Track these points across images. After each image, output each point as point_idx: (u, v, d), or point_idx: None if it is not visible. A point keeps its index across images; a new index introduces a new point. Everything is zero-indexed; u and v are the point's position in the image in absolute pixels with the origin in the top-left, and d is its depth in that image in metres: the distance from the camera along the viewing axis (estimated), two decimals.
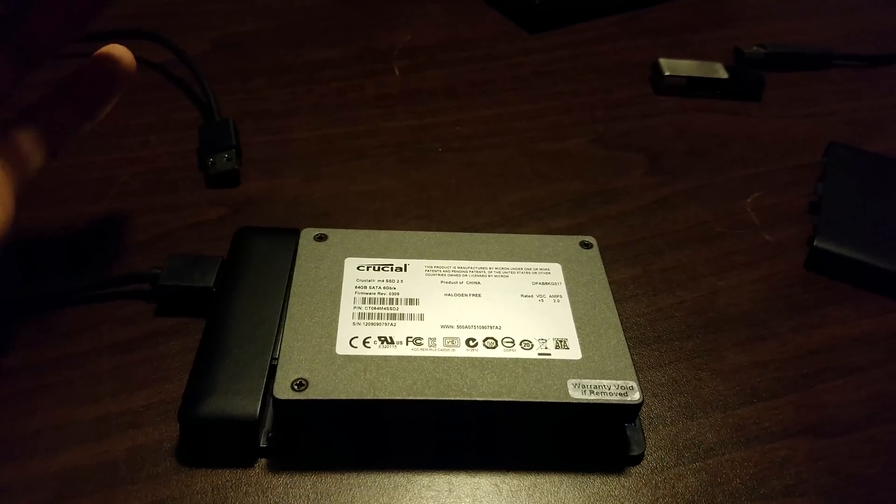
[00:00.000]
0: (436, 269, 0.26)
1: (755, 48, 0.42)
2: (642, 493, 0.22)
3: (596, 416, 0.22)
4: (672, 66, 0.39)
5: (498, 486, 0.22)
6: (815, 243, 0.30)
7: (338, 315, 0.23)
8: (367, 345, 0.23)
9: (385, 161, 0.34)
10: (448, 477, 0.22)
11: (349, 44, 0.42)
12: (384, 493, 0.21)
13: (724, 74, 0.39)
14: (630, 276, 0.29)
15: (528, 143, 0.36)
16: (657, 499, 0.22)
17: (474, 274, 0.26)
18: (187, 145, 0.34)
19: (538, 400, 0.21)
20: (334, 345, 0.22)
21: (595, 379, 0.22)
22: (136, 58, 0.39)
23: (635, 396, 0.22)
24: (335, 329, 0.23)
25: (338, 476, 0.22)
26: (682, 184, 0.34)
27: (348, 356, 0.22)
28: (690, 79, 0.39)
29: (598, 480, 0.22)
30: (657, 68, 0.40)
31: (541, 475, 0.22)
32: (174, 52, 0.38)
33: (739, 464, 0.23)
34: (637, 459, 0.23)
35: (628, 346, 0.23)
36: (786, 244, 0.31)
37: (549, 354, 0.23)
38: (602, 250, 0.27)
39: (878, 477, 0.23)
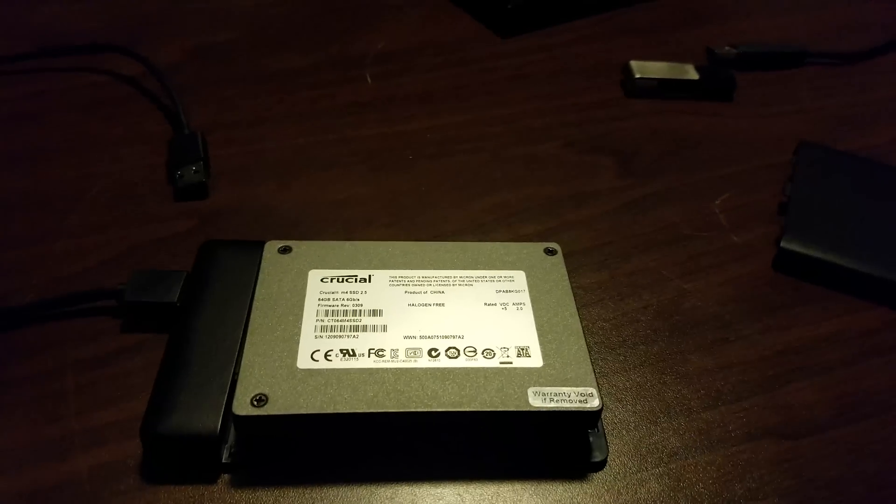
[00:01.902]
0: (400, 279, 0.26)
1: (727, 48, 0.42)
2: (604, 499, 0.22)
3: (556, 424, 0.22)
4: (643, 69, 0.39)
5: (461, 495, 0.22)
6: (781, 244, 0.30)
7: (300, 328, 0.23)
8: (328, 358, 0.23)
9: (356, 169, 0.34)
10: (411, 488, 0.22)
11: (322, 51, 0.42)
12: None
13: (695, 75, 0.39)
14: (596, 280, 0.29)
15: (499, 149, 0.36)
16: None
17: (438, 283, 0.26)
18: (157, 159, 0.34)
19: (498, 409, 0.22)
20: (295, 359, 0.22)
21: (555, 386, 0.22)
22: (108, 71, 0.40)
23: (594, 403, 0.22)
24: (297, 343, 0.23)
25: (300, 490, 0.22)
26: (651, 186, 0.34)
27: (309, 370, 0.22)
28: (661, 81, 0.39)
29: (561, 487, 0.22)
30: (628, 71, 0.40)
31: (503, 484, 0.22)
32: (145, 65, 0.38)
33: (703, 468, 0.23)
34: (600, 465, 0.23)
35: (590, 352, 0.23)
36: (754, 245, 0.31)
37: (511, 363, 0.23)
38: (570, 255, 0.27)
39: (842, 479, 0.23)
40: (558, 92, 0.40)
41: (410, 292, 0.25)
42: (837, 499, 0.23)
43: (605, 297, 0.29)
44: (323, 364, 0.22)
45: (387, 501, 0.22)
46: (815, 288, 0.30)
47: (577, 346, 0.23)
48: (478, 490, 0.22)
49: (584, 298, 0.28)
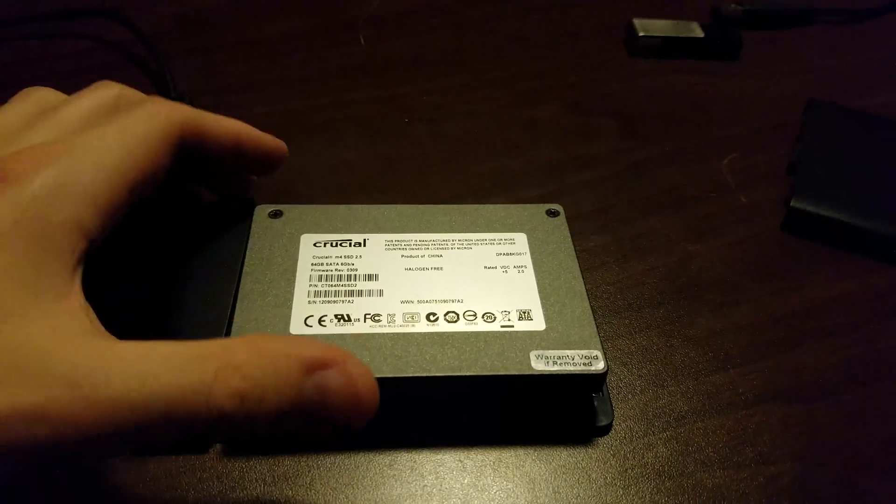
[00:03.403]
0: (396, 242, 0.25)
1: (733, 6, 0.41)
2: (610, 463, 0.22)
3: (560, 387, 0.21)
4: (646, 27, 0.38)
5: (462, 461, 0.21)
6: (791, 203, 0.29)
7: (292, 294, 0.23)
8: (322, 323, 0.22)
9: (350, 134, 0.33)
10: (410, 455, 0.21)
11: (313, 14, 0.41)
12: (344, 474, 0.21)
13: (700, 33, 0.38)
14: (601, 243, 0.28)
15: (498, 112, 0.35)
16: (626, 469, 0.22)
17: (436, 247, 0.25)
18: None
19: (500, 373, 0.21)
20: (288, 324, 0.22)
21: (559, 349, 0.21)
22: (95, 37, 0.38)
23: (599, 366, 0.21)
24: (290, 308, 0.22)
25: (296, 458, 0.21)
26: (656, 148, 0.33)
27: (303, 336, 0.21)
28: (666, 39, 0.38)
29: (565, 452, 0.22)
30: (631, 29, 0.38)
31: (505, 449, 0.22)
32: (131, 29, 0.37)
33: (712, 431, 0.23)
34: (605, 430, 0.22)
35: (594, 314, 0.22)
36: (763, 206, 0.30)
37: (513, 326, 0.22)
38: (572, 219, 0.26)
39: (854, 442, 0.23)
40: (559, 53, 0.39)
41: (407, 256, 0.24)
42: (851, 462, 0.22)
43: (609, 260, 0.28)
44: (317, 330, 0.21)
45: (385, 468, 0.21)
46: (826, 249, 0.29)
47: (580, 308, 0.23)
48: (479, 456, 0.21)
49: (588, 262, 0.27)
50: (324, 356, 0.16)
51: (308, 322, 0.22)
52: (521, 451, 0.22)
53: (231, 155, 0.23)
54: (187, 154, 0.22)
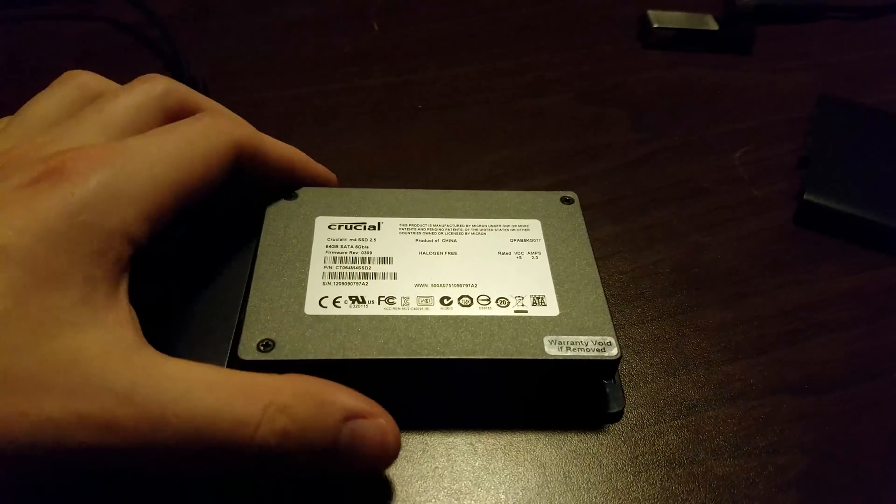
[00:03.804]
0: (410, 227, 0.25)
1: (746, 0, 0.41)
2: (621, 450, 0.22)
3: (573, 373, 0.21)
4: (660, 18, 0.38)
5: (473, 445, 0.21)
6: (804, 196, 0.29)
7: (307, 275, 0.23)
8: (337, 304, 0.22)
9: (360, 121, 0.33)
10: (422, 437, 0.21)
11: None
12: None
13: (714, 26, 0.38)
14: (613, 233, 0.28)
15: (510, 101, 0.35)
16: (637, 456, 0.22)
17: (450, 232, 0.25)
18: None
19: (513, 357, 0.21)
20: (303, 305, 0.22)
21: (572, 335, 0.21)
22: (107, 19, 0.38)
23: (613, 352, 0.21)
24: (304, 289, 0.22)
25: None
26: (668, 139, 0.33)
27: (317, 316, 0.21)
28: (679, 31, 0.38)
29: (576, 438, 0.22)
30: (646, 20, 0.38)
31: (517, 433, 0.22)
32: (145, 13, 0.37)
33: (722, 421, 0.23)
34: (616, 417, 0.22)
35: (608, 301, 0.22)
36: (774, 199, 0.30)
37: (526, 311, 0.22)
38: (585, 208, 0.26)
39: (862, 434, 0.23)
40: (571, 43, 0.39)
41: (421, 240, 0.24)
42: (859, 454, 0.22)
43: (621, 249, 0.28)
44: (331, 310, 0.22)
45: None
46: (837, 243, 0.29)
47: (594, 295, 0.23)
48: (490, 440, 0.22)
49: (600, 251, 0.27)
50: (361, 407, 0.18)
51: (322, 303, 0.22)
52: (532, 436, 0.22)
53: (282, 179, 0.24)
54: (237, 170, 0.22)
